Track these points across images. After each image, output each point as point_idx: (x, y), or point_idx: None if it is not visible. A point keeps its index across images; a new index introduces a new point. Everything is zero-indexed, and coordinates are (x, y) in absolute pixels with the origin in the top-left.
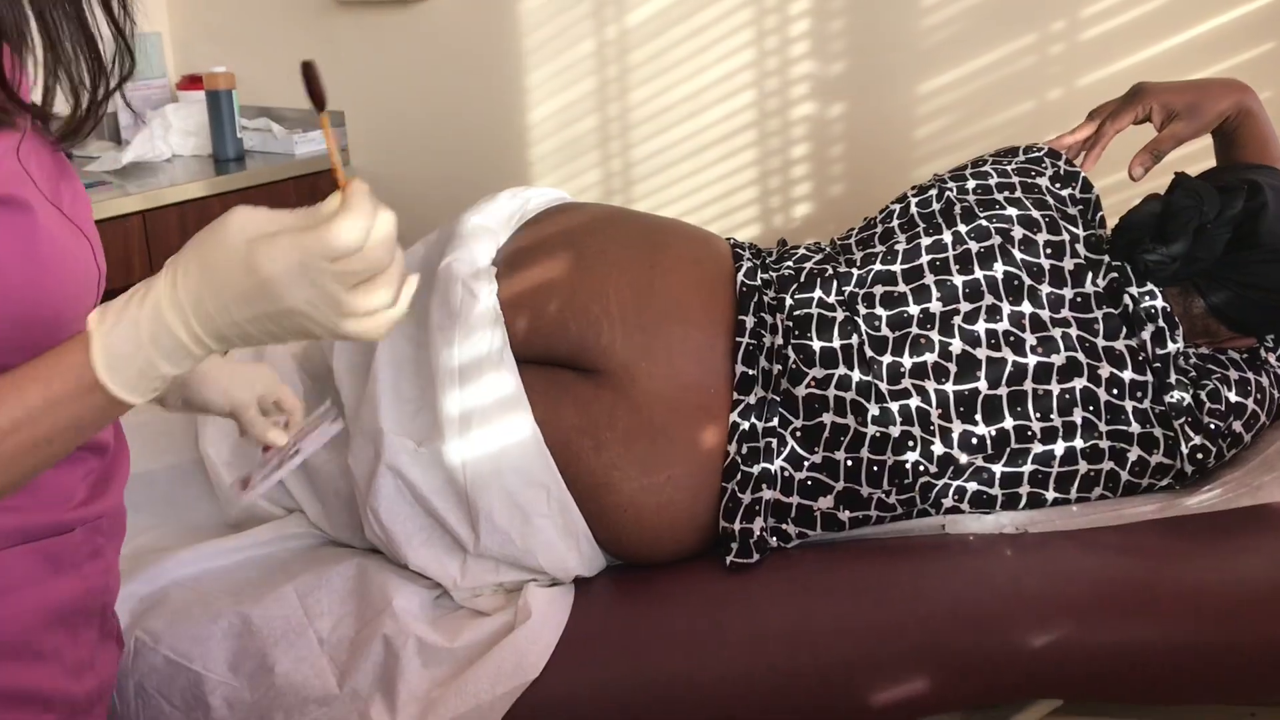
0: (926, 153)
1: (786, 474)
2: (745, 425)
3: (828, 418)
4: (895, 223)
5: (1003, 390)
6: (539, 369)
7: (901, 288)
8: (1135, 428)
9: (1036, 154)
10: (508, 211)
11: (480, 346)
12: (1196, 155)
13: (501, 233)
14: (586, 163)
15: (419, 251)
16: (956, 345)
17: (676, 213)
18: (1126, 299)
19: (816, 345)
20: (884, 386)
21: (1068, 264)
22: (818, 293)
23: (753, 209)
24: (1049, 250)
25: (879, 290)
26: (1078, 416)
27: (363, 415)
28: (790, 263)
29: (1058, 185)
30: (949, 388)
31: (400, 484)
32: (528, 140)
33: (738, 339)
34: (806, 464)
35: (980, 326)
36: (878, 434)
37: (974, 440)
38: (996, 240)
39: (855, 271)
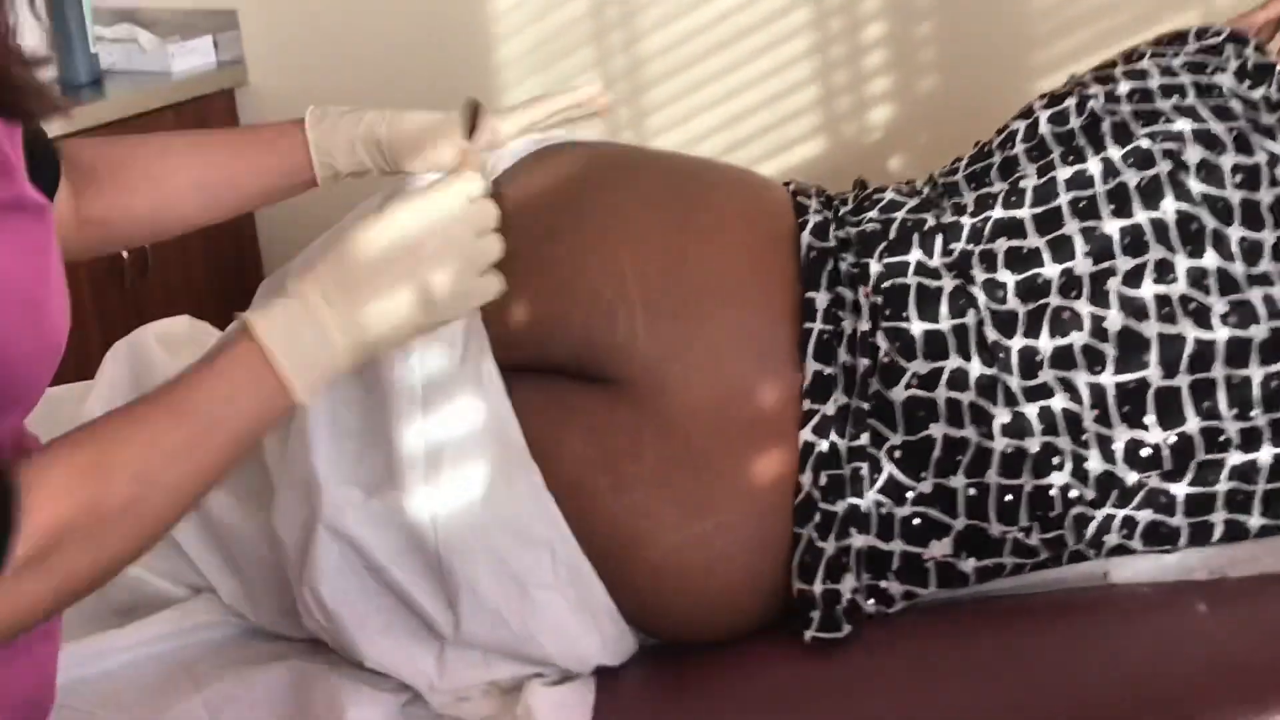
0: (1055, 25)
1: (884, 511)
2: (823, 445)
3: (938, 429)
4: (1019, 148)
5: (1182, 379)
6: (533, 381)
7: (1033, 241)
8: None
9: (1214, 40)
10: None
11: (448, 354)
12: None
13: None
14: (574, 64)
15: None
16: (1114, 319)
17: (706, 127)
18: None
19: (917, 328)
20: (1015, 382)
21: (1265, 196)
22: (915, 254)
23: (812, 117)
24: (1239, 178)
25: (1001, 246)
26: None
27: (289, 458)
28: (874, 212)
29: (1246, 84)
30: (1106, 379)
31: (346, 550)
32: (491, 37)
33: (807, 324)
34: (912, 496)
35: (1147, 290)
36: (1009, 449)
37: (1145, 452)
38: (1164, 167)
39: (967, 221)
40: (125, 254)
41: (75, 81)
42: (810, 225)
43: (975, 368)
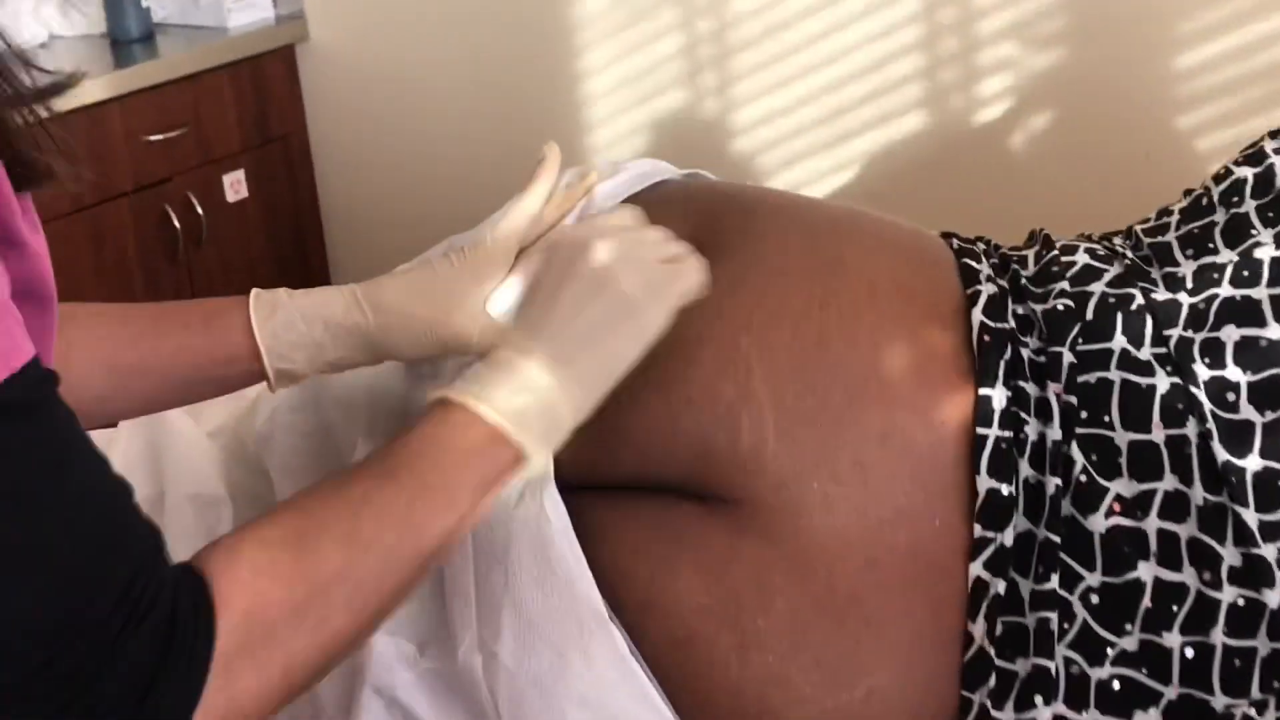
0: None
1: (1075, 671)
2: (999, 586)
3: (1148, 571)
4: (1249, 205)
5: None
6: (630, 506)
7: (1274, 331)
8: None
9: None
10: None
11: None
12: None
13: None
14: (657, 26)
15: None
16: None
17: (797, 96)
18: None
19: (1122, 438)
20: (1250, 515)
21: None
22: (1119, 340)
23: (916, 87)
24: None
25: (1231, 335)
26: None
27: None
28: (1065, 283)
29: None
30: None
31: (397, 718)
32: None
33: (980, 430)
34: (1112, 654)
35: None
36: (1241, 601)
37: None
38: None
39: (1185, 300)
40: (178, 222)
41: (125, 37)
42: (983, 299)
43: (1197, 493)
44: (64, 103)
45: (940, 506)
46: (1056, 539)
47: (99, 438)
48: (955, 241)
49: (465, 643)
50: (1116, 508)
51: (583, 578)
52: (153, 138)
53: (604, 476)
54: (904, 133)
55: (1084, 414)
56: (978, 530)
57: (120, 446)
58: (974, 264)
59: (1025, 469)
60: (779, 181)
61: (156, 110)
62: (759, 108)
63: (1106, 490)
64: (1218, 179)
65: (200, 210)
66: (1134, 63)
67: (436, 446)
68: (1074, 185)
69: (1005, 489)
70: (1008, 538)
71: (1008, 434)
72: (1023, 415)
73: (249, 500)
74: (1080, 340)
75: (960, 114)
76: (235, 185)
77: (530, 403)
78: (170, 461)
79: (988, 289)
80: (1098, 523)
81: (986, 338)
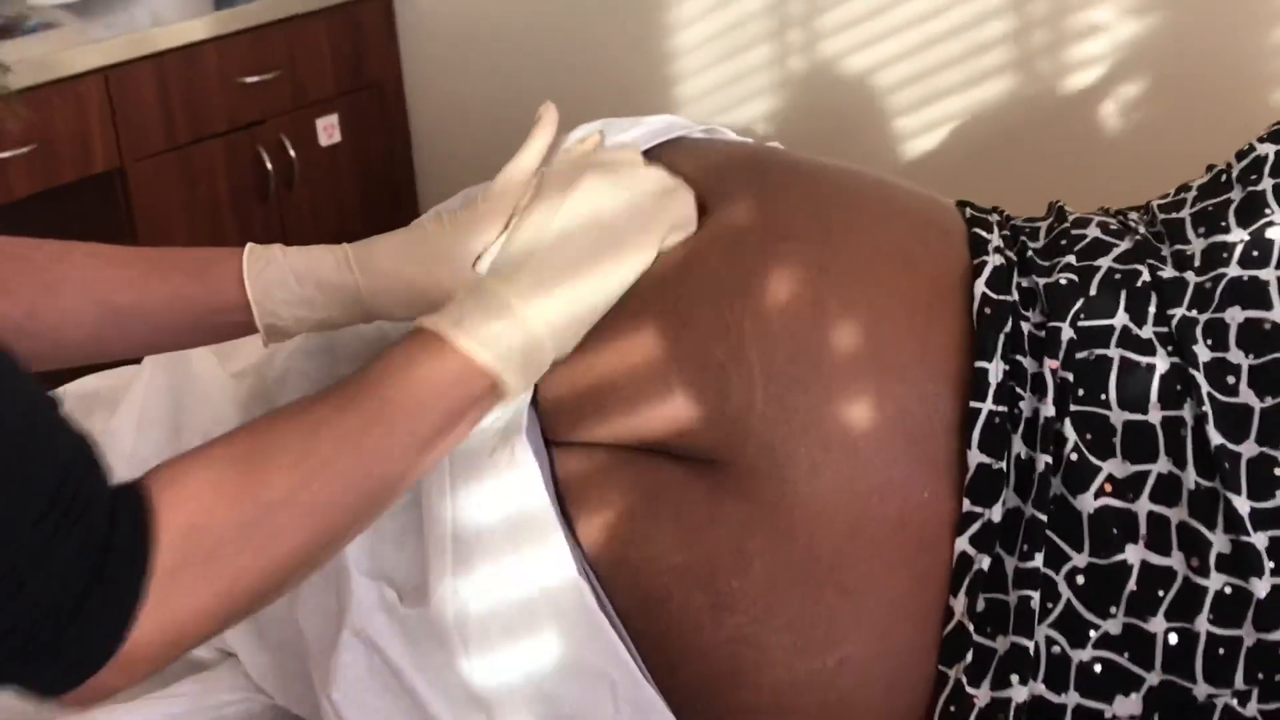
0: None
1: (1057, 651)
2: (983, 562)
3: (1135, 554)
4: (1267, 183)
5: None
6: (612, 460)
7: (1279, 314)
8: None
9: None
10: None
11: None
12: None
13: None
14: None
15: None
16: None
17: (884, 55)
18: None
19: (1118, 417)
20: (1242, 502)
21: None
22: (1121, 317)
23: (1004, 50)
24: None
25: (1235, 316)
26: None
27: None
28: (1071, 257)
29: None
30: None
31: (376, 662)
32: None
33: (973, 403)
34: (1095, 635)
35: None
36: (1228, 589)
37: None
38: None
39: (1191, 279)
40: (270, 164)
41: None
42: (987, 271)
43: (1190, 477)
44: (162, 42)
45: (930, 479)
46: (1043, 517)
47: (122, 375)
48: (969, 211)
49: (438, 590)
50: (1108, 488)
51: (554, 531)
52: (247, 80)
53: (590, 433)
54: (992, 96)
55: (1080, 391)
56: (966, 505)
57: (141, 386)
58: (984, 234)
59: (1018, 445)
60: (862, 140)
61: (252, 52)
62: (846, 66)
63: (1098, 470)
64: (1240, 156)
65: (292, 153)
66: (1229, 33)
67: (405, 374)
68: (1157, 157)
69: (996, 464)
70: (996, 514)
71: (1002, 409)
72: (1018, 390)
73: None
74: (1081, 316)
75: (1048, 79)
76: (328, 130)
77: (508, 330)
78: (190, 403)
79: (994, 260)
80: (1087, 502)
81: (987, 310)
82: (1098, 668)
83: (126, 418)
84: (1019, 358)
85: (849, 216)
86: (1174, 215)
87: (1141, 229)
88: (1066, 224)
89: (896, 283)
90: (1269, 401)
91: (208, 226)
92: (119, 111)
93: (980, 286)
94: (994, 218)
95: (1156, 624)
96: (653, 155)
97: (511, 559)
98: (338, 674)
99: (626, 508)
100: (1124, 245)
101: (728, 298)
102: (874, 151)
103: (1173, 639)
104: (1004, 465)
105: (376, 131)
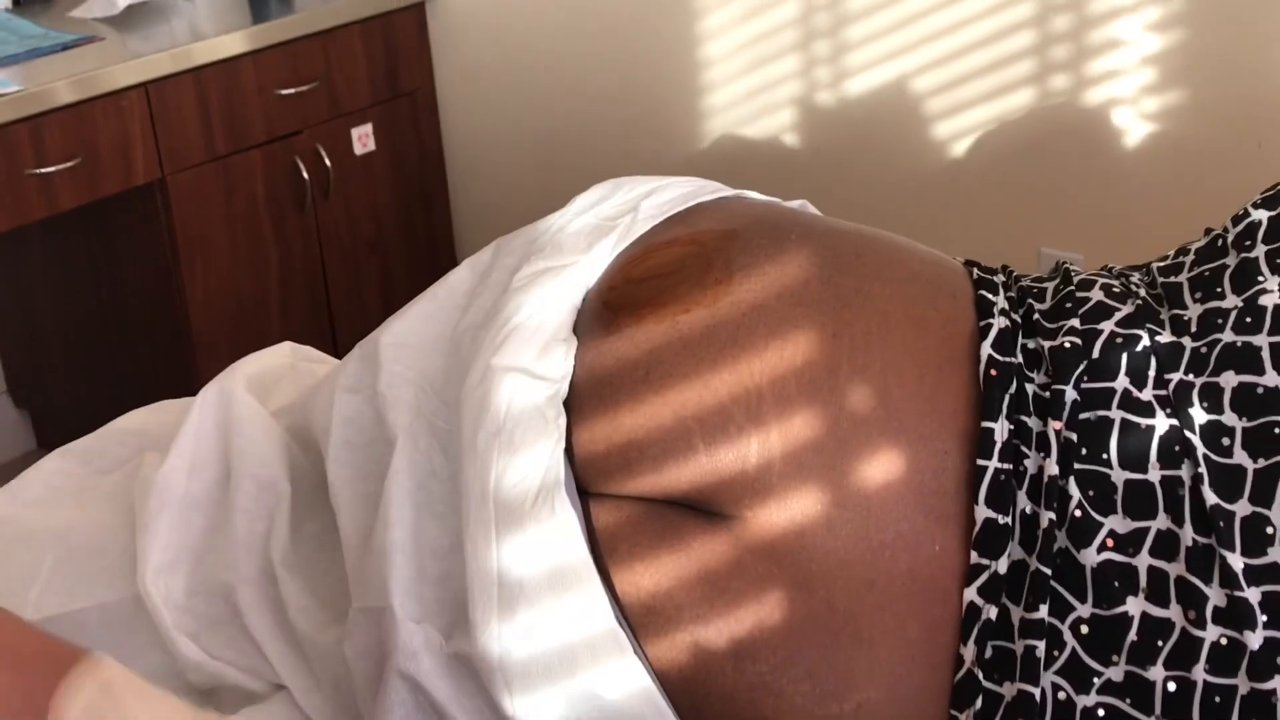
0: None
1: (1062, 697)
2: (990, 612)
3: (1136, 605)
4: (1260, 250)
5: None
6: (643, 511)
7: (1271, 379)
8: None
9: None
10: (607, 211)
11: (529, 467)
12: None
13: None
14: None
15: (464, 281)
16: None
17: (909, 67)
18: None
19: (1119, 476)
20: (1236, 559)
21: None
22: (1122, 380)
23: (1027, 63)
24: None
25: (1229, 381)
26: None
27: (364, 574)
28: (1076, 320)
29: None
30: None
31: (423, 701)
32: None
33: (980, 461)
34: (1099, 682)
35: None
36: (1224, 640)
37: None
38: None
39: (1187, 343)
40: (306, 174)
41: None
42: (993, 334)
43: (1187, 534)
44: (201, 56)
45: (940, 533)
46: (1048, 570)
47: (169, 410)
48: (975, 272)
49: (484, 634)
50: (1110, 543)
51: (591, 580)
52: (284, 91)
53: (620, 487)
54: (1016, 107)
55: (1083, 450)
56: (974, 557)
57: (191, 429)
58: (990, 295)
59: (1023, 500)
60: (887, 150)
61: (289, 65)
62: (871, 77)
63: (1101, 525)
64: (1235, 220)
65: (328, 162)
66: (1249, 49)
67: None
68: (1179, 173)
69: (1002, 518)
70: (1002, 565)
71: (1007, 466)
72: (1023, 449)
73: (303, 479)
74: (1085, 378)
75: (1069, 93)
76: (363, 139)
77: None
78: (240, 445)
79: (999, 322)
80: (1090, 556)
81: (993, 371)
82: (1101, 712)
83: (178, 461)
84: (1023, 417)
85: (863, 282)
86: (1172, 279)
87: (1142, 292)
88: (1072, 286)
89: (908, 345)
90: (1262, 463)
91: (246, 235)
92: (159, 124)
93: (986, 349)
94: (999, 278)
95: (1156, 672)
96: (676, 218)
97: (552, 605)
98: (386, 714)
99: (655, 559)
100: (1126, 309)
101: (747, 363)
102: (898, 161)
103: (1171, 686)
104: (1009, 520)
105: (410, 139)
